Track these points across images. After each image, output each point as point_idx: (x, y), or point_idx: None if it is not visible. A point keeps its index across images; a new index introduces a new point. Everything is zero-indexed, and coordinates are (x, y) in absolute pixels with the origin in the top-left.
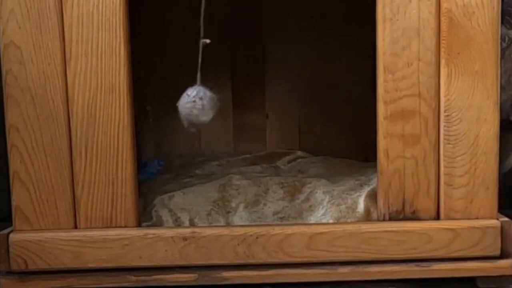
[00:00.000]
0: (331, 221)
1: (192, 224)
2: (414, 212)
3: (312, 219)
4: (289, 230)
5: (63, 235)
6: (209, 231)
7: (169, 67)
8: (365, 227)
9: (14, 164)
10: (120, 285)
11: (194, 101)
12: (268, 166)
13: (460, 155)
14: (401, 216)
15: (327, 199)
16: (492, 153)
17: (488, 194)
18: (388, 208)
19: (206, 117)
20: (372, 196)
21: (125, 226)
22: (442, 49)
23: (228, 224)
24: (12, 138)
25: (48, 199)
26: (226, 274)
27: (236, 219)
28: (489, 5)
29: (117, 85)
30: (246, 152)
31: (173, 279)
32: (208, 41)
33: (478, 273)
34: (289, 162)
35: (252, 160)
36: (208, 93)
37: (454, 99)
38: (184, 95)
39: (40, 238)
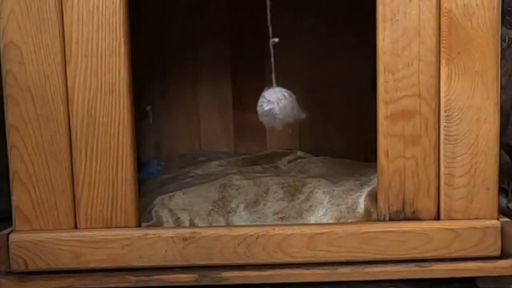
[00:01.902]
0: (331, 221)
1: (192, 224)
2: (414, 212)
3: (312, 219)
4: (289, 230)
5: (63, 235)
6: (209, 231)
7: (169, 67)
8: (365, 227)
9: (14, 164)
10: (120, 285)
11: (291, 101)
12: (268, 166)
13: (460, 155)
14: (401, 216)
15: (327, 199)
16: (492, 153)
17: (488, 194)
18: (388, 208)
19: (302, 114)
20: (372, 196)
21: (125, 226)
22: (443, 49)
23: (228, 224)
24: (12, 138)
25: (48, 199)
26: (226, 274)
27: (236, 219)
28: (489, 5)
29: (117, 85)
30: (246, 152)
31: (173, 279)
32: (276, 40)
33: (478, 273)
34: (289, 162)
35: (252, 160)
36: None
37: (454, 99)
38: (280, 96)
39: (40, 238)
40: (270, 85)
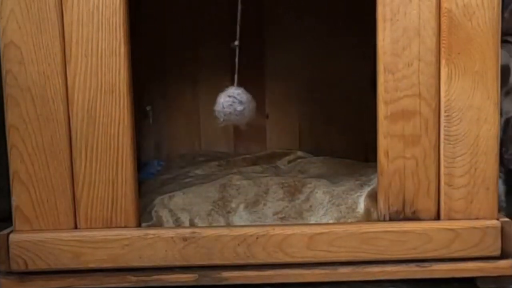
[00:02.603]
0: (331, 221)
1: (192, 224)
2: (414, 212)
3: (312, 219)
4: (289, 230)
5: (63, 235)
6: (209, 231)
7: (169, 67)
8: (365, 227)
9: (14, 164)
10: (120, 285)
11: (254, 102)
12: (268, 166)
13: (460, 155)
14: (401, 216)
15: (327, 199)
16: (492, 153)
17: (488, 194)
18: (388, 208)
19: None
20: (372, 196)
21: (125, 226)
22: (443, 49)
23: (228, 224)
24: (12, 138)
25: (48, 199)
26: (226, 274)
27: (236, 219)
28: (490, 5)
29: (117, 85)
30: (246, 152)
31: (173, 279)
32: (237, 43)
33: (478, 273)
34: (289, 162)
35: (252, 160)
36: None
37: (454, 99)
38: (249, 98)
39: (40, 238)
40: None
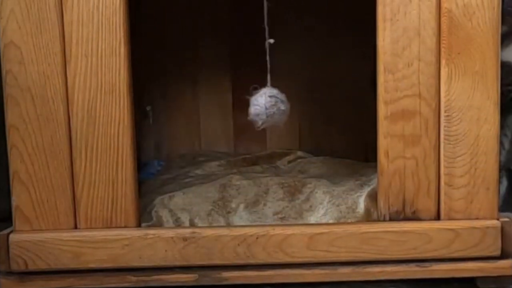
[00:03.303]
0: (331, 221)
1: (192, 224)
2: (414, 212)
3: (312, 219)
4: (289, 230)
5: (63, 235)
6: (209, 231)
7: (169, 67)
8: (366, 227)
9: (14, 164)
10: (120, 285)
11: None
12: (268, 166)
13: (461, 155)
14: (401, 216)
15: (327, 199)
16: (492, 153)
17: (488, 194)
18: (388, 208)
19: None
20: (372, 196)
21: (125, 226)
22: (443, 49)
23: (228, 224)
24: (12, 138)
25: (48, 199)
26: (226, 274)
27: (236, 219)
28: (490, 5)
29: (117, 85)
30: (246, 152)
31: (173, 279)
32: (272, 41)
33: (478, 273)
34: (289, 162)
35: (252, 160)
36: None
37: (455, 99)
38: (285, 97)
39: (40, 238)
40: (271, 84)
